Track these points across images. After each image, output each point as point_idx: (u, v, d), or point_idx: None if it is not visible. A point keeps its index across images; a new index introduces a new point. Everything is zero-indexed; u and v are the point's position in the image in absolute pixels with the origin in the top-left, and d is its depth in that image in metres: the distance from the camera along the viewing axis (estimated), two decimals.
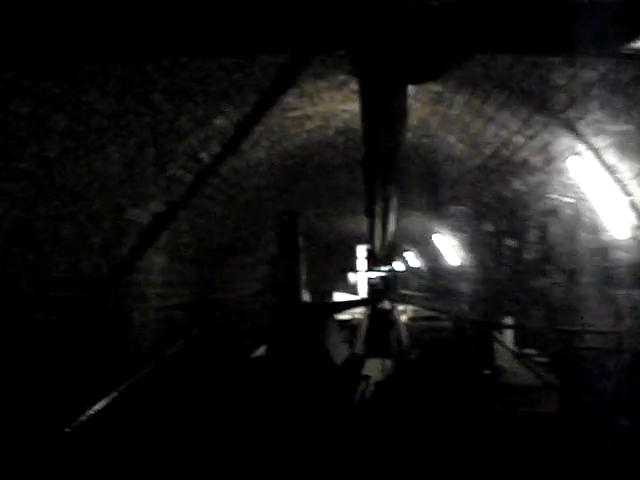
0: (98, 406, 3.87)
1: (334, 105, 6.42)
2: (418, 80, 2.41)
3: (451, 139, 7.42)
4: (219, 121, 5.56)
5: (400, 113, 3.02)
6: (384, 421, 4.92)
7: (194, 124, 5.34)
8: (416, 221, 13.13)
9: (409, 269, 19.31)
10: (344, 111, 6.47)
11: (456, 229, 11.42)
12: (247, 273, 11.14)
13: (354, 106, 6.23)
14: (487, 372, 6.01)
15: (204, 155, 5.99)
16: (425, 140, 7.70)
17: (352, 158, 8.18)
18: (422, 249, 16.21)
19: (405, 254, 18.32)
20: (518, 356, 6.83)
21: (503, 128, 6.38)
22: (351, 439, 4.39)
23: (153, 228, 4.11)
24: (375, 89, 2.66)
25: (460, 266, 12.49)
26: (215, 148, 5.93)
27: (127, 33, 2.22)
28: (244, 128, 3.03)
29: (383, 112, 2.95)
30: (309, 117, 6.56)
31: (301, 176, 9.47)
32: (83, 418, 3.77)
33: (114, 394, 3.99)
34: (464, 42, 2.07)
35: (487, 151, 7.24)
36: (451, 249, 12.70)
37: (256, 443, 4.14)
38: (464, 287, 12.36)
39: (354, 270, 19.36)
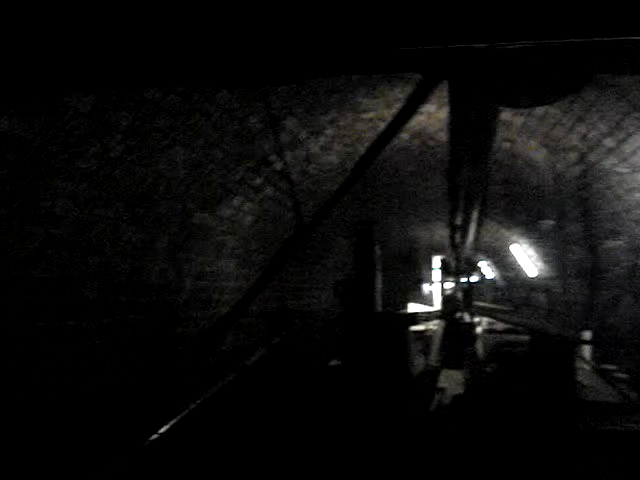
0: (180, 416, 3.73)
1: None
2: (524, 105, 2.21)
3: (532, 142, 6.82)
4: (290, 122, 5.19)
5: (490, 134, 2.93)
6: (460, 434, 4.81)
7: (263, 125, 4.98)
8: (492, 230, 12.47)
9: (484, 280, 18.49)
10: (421, 113, 5.99)
11: (535, 239, 10.67)
12: (317, 281, 10.79)
13: (432, 108, 5.82)
14: (567, 389, 5.68)
15: (274, 158, 5.66)
16: (505, 144, 7.11)
17: (427, 164, 7.73)
18: (498, 260, 15.39)
19: (480, 264, 17.51)
20: (598, 372, 6.46)
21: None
22: (426, 449, 4.36)
23: None
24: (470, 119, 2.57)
25: (538, 277, 11.66)
26: (285, 151, 5.58)
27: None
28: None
29: (473, 137, 2.85)
30: (383, 119, 6.11)
31: (374, 182, 9.07)
32: (167, 427, 3.64)
33: (198, 402, 3.85)
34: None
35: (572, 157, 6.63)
36: (529, 260, 11.86)
37: (337, 450, 4.18)
38: (542, 299, 11.53)
39: (429, 281, 18.67)
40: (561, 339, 7.34)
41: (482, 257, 16.53)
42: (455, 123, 2.80)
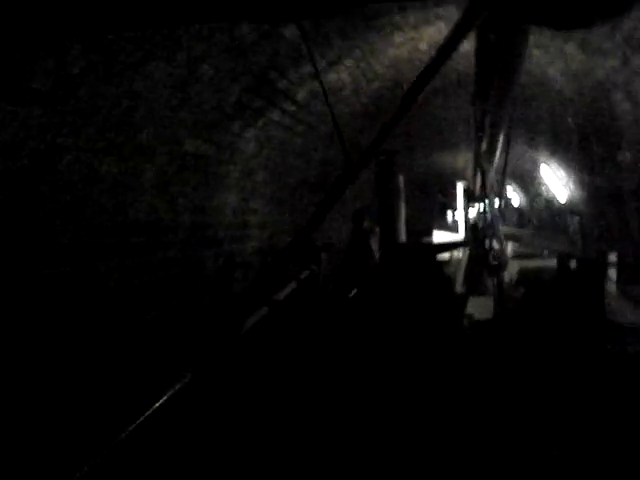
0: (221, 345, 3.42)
1: (426, 15, 4.98)
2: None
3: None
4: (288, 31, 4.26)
5: (520, 59, 2.72)
6: (490, 359, 4.77)
7: (257, 35, 4.08)
8: (518, 152, 11.44)
9: (509, 205, 17.55)
10: (440, 17, 5.02)
11: (565, 160, 9.61)
12: (336, 213, 10.01)
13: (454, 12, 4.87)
14: (595, 311, 5.73)
15: (274, 75, 4.77)
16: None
17: (448, 79, 6.80)
18: (524, 183, 14.25)
19: (505, 189, 16.45)
20: (625, 293, 6.29)
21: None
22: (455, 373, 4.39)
23: None
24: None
25: (569, 201, 10.65)
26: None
27: None
28: None
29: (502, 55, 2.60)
30: (399, 28, 5.15)
31: (391, 103, 8.22)
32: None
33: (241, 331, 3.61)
34: None
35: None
36: (559, 182, 10.80)
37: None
38: (574, 223, 10.56)
39: (453, 208, 17.77)
40: (588, 261, 7.45)
41: (508, 181, 15.44)
42: (483, 49, 2.66)
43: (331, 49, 4.95)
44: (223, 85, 4.29)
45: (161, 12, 2.01)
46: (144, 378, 3.49)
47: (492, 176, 7.98)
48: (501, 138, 5.34)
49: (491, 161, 6.80)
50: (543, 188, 12.23)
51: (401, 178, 11.23)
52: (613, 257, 7.49)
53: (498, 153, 6.15)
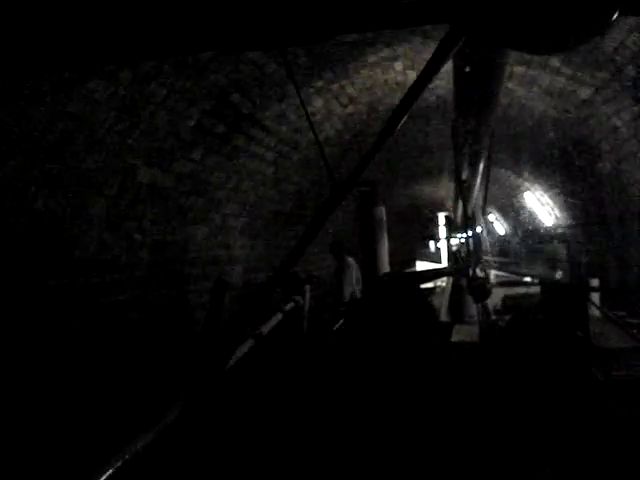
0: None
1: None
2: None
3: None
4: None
5: (497, 84, 2.62)
6: (477, 386, 4.37)
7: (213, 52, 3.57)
8: (501, 179, 11.00)
9: (491, 233, 17.14)
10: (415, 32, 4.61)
11: (550, 185, 9.18)
12: (319, 245, 9.48)
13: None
14: (580, 335, 5.14)
15: (237, 98, 4.27)
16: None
17: (427, 103, 6.39)
18: (508, 210, 13.77)
19: (487, 217, 16.01)
20: (609, 318, 6.07)
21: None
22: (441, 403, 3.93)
23: None
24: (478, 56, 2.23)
25: (555, 227, 10.16)
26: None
27: None
28: None
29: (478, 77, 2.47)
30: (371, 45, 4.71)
31: (369, 128, 7.88)
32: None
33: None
34: None
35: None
36: (543, 208, 10.32)
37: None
38: (560, 249, 10.06)
39: (435, 238, 17.30)
40: (571, 287, 7.11)
41: (490, 209, 15.00)
42: (460, 73, 2.57)
43: (298, 68, 4.46)
44: (179, 108, 3.77)
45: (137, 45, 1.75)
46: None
47: (473, 205, 7.48)
48: (481, 167, 5.05)
49: (471, 190, 6.40)
50: (527, 215, 11.80)
51: (383, 208, 10.80)
52: (595, 282, 7.39)
53: (478, 181, 5.84)
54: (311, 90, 5.09)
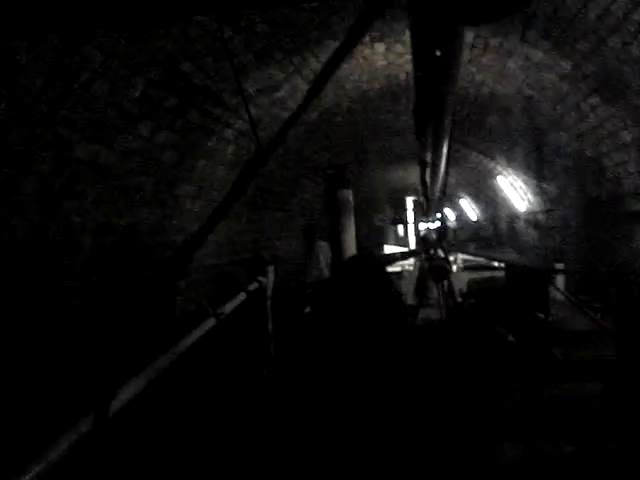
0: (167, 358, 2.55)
1: None
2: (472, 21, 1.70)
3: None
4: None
5: (453, 60, 2.46)
6: (438, 369, 4.72)
7: None
8: (474, 162, 10.63)
9: (461, 217, 16.96)
10: None
11: (522, 169, 8.87)
12: (284, 229, 9.08)
13: None
14: (541, 316, 5.57)
15: (188, 67, 3.81)
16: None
17: (396, 81, 6.05)
18: (480, 194, 13.46)
19: (457, 201, 15.75)
20: (572, 302, 5.95)
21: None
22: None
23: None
24: (429, 34, 2.20)
25: (528, 212, 9.88)
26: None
27: None
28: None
29: (436, 59, 2.35)
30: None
31: (346, 125, 7.59)
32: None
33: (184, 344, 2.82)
34: None
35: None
36: (516, 192, 10.02)
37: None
38: (532, 234, 9.80)
39: (404, 222, 17.07)
40: (534, 271, 7.20)
41: (462, 193, 14.74)
42: (418, 53, 2.56)
43: (257, 38, 4.02)
44: (120, 75, 3.30)
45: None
46: None
47: (438, 189, 7.38)
48: (444, 150, 4.93)
49: (436, 174, 6.28)
50: (500, 200, 11.53)
51: (350, 192, 10.47)
52: (560, 266, 7.40)
53: (443, 165, 5.68)
54: (272, 63, 4.65)
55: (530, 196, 9.52)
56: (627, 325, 4.98)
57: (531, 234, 9.98)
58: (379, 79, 6.30)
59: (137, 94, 3.61)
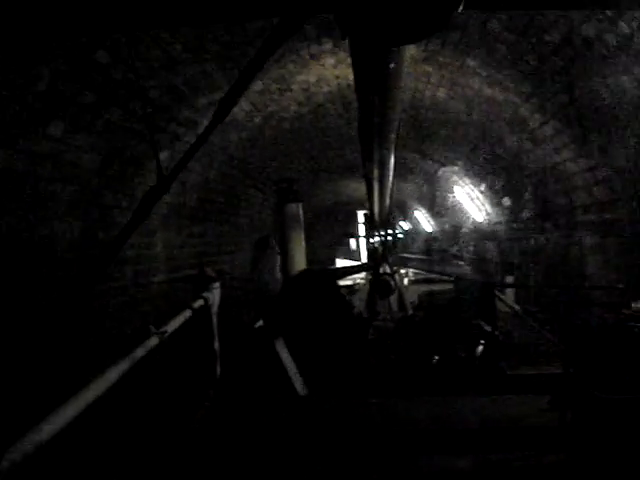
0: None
1: None
2: (404, 41, 1.76)
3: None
4: None
5: (393, 78, 2.46)
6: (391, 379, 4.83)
7: None
8: (428, 173, 10.39)
9: (413, 231, 16.86)
10: None
11: (480, 179, 8.72)
12: (229, 243, 8.71)
13: None
14: (488, 329, 5.62)
15: (104, 57, 3.46)
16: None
17: (346, 83, 5.90)
18: (436, 206, 13.13)
19: (416, 213, 15.53)
20: (519, 314, 6.23)
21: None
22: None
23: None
24: (365, 52, 2.19)
25: (486, 223, 9.70)
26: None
27: None
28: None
29: (375, 77, 2.41)
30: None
31: (296, 139, 7.31)
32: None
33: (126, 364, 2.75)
34: None
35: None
36: (473, 203, 9.80)
37: None
38: (491, 248, 9.60)
39: (355, 236, 16.96)
40: (481, 284, 7.20)
41: (417, 204, 14.55)
42: (358, 71, 2.46)
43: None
44: (19, 64, 2.91)
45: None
46: None
47: (387, 203, 7.27)
48: (391, 164, 4.87)
49: (382, 191, 6.26)
50: (456, 211, 11.31)
51: (300, 206, 10.24)
52: (510, 279, 7.60)
53: (390, 179, 5.62)
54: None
55: (488, 207, 9.36)
56: (572, 337, 5.01)
57: (488, 246, 9.85)
58: (328, 81, 6.04)
59: (43, 87, 3.18)
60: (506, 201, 8.11)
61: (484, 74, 5.05)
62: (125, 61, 3.60)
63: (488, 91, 5.46)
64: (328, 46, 4.96)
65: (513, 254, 8.57)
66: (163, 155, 5.10)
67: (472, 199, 9.80)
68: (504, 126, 6.16)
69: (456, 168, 9.22)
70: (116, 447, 3.53)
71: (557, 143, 5.45)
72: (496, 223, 9.17)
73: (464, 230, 11.43)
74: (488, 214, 9.45)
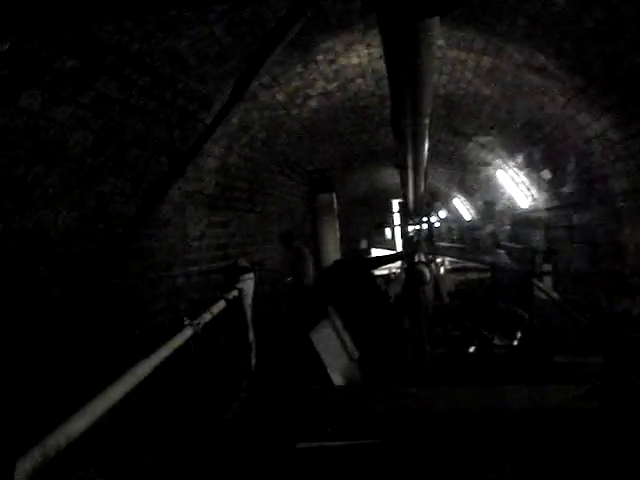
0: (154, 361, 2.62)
1: None
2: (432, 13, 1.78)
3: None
4: None
5: (423, 56, 2.39)
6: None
7: None
8: (469, 156, 9.94)
9: (452, 219, 16.61)
10: None
11: (525, 161, 8.37)
12: (261, 233, 8.53)
13: None
14: (526, 317, 5.66)
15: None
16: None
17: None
18: (476, 192, 12.69)
19: (454, 200, 15.23)
20: (557, 302, 5.98)
21: None
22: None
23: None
24: (394, 27, 2.12)
25: (532, 210, 9.31)
26: None
27: None
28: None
29: (405, 54, 2.34)
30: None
31: (334, 128, 7.10)
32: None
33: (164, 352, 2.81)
34: None
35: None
36: (518, 188, 9.38)
37: None
38: (537, 237, 9.21)
39: (390, 225, 16.83)
40: (518, 271, 7.25)
41: (455, 192, 14.25)
42: (388, 51, 2.42)
43: None
44: None
45: None
46: None
47: (422, 191, 7.23)
48: (425, 151, 4.76)
49: (417, 180, 6.24)
50: (498, 197, 10.90)
51: (334, 196, 10.19)
52: (548, 267, 7.36)
53: (424, 166, 5.56)
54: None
55: (534, 192, 8.83)
56: (613, 326, 4.97)
57: (533, 234, 9.49)
58: (358, 51, 5.54)
59: (6, 47, 2.53)
60: (546, 174, 7.75)
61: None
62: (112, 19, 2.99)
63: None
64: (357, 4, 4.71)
65: (553, 239, 8.33)
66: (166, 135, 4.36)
67: (517, 183, 9.31)
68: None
69: (499, 149, 8.80)
70: (152, 435, 3.61)
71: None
72: (543, 209, 8.75)
73: (507, 216, 11.02)
74: (534, 199, 8.98)
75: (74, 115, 3.37)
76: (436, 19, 2.06)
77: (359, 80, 6.32)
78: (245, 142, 6.40)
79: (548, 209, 8.49)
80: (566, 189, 7.27)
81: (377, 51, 5.44)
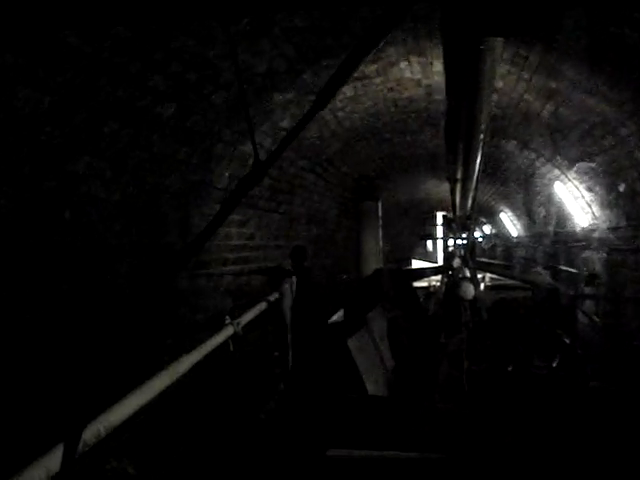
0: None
1: None
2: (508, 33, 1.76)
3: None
4: None
5: (485, 76, 2.32)
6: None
7: None
8: (517, 163, 8.65)
9: (497, 234, 16.13)
10: None
11: (585, 171, 6.86)
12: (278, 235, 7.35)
13: None
14: (566, 340, 5.55)
15: None
16: None
17: (440, 112, 5.60)
18: (525, 206, 11.53)
19: (501, 215, 14.69)
20: (594, 326, 5.91)
21: None
22: None
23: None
24: (458, 44, 2.16)
25: (591, 228, 7.73)
26: None
27: None
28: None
29: (466, 75, 2.34)
30: None
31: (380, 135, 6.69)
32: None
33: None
34: None
35: None
36: (577, 203, 7.73)
37: None
38: (590, 258, 7.89)
39: (432, 237, 16.61)
40: (562, 294, 6.97)
41: (502, 206, 13.74)
42: (448, 63, 2.54)
43: None
44: None
45: None
46: None
47: (470, 205, 6.80)
48: (477, 165, 4.54)
49: (465, 194, 5.93)
50: (553, 212, 9.56)
51: (379, 205, 10.05)
52: (592, 291, 7.04)
53: (474, 180, 5.26)
54: None
55: (596, 208, 7.41)
56: None
57: (589, 257, 8.18)
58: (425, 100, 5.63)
59: None
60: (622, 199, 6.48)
61: None
62: None
63: None
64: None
65: (613, 262, 7.33)
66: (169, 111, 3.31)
67: (575, 198, 7.83)
68: None
69: (559, 158, 7.43)
70: (188, 429, 3.65)
71: None
72: (605, 229, 7.32)
73: (560, 235, 9.91)
74: (595, 217, 7.41)
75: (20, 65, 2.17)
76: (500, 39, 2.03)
77: (403, 64, 4.98)
78: (263, 129, 5.01)
79: (612, 229, 7.09)
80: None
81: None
